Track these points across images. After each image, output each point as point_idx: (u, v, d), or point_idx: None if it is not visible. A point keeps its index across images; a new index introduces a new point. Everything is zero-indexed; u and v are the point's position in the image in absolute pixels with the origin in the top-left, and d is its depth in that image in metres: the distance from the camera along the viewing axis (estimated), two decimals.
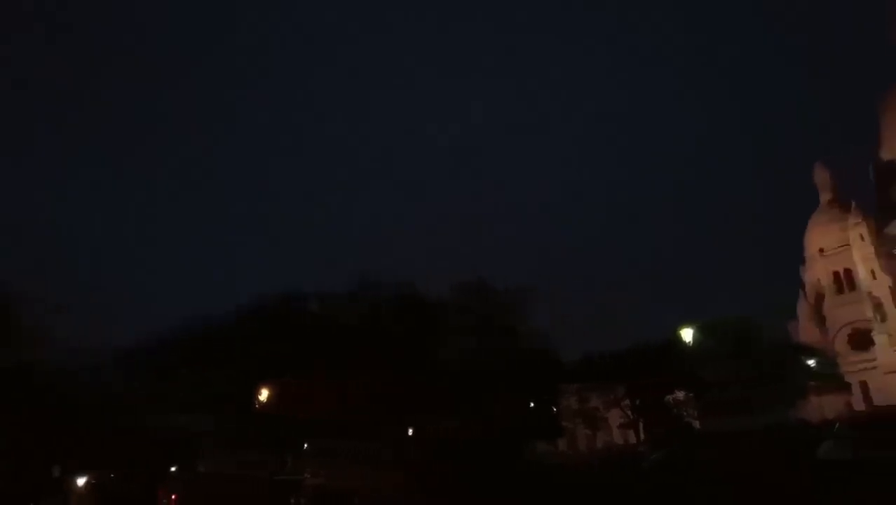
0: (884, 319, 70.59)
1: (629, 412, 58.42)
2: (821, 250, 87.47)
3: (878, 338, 70.33)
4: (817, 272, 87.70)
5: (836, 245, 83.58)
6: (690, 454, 29.17)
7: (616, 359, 52.75)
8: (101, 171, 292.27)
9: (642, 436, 55.99)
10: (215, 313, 41.26)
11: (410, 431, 41.76)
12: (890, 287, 72.89)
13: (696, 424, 56.48)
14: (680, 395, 56.16)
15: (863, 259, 75.73)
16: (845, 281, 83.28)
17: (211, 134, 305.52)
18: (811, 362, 60.39)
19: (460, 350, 36.38)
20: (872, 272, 74.46)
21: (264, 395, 33.56)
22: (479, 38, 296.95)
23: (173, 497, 36.44)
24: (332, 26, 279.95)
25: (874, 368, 69.64)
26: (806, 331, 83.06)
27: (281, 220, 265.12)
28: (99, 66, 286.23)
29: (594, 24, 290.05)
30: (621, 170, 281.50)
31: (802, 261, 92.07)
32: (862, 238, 76.27)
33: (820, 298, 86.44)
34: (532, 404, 48.93)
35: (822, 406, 60.27)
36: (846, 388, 64.95)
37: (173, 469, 44.40)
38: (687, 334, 33.77)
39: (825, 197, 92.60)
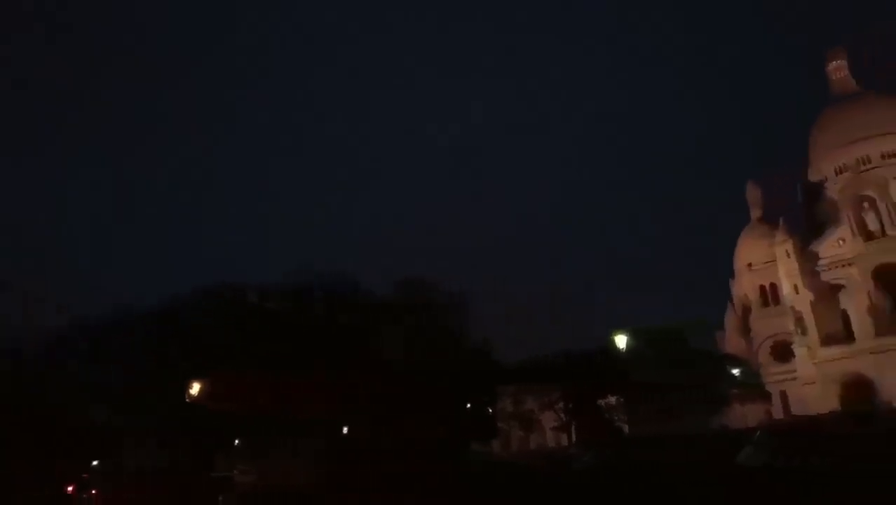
0: (804, 332, 74.15)
1: (563, 415, 59.42)
2: (749, 265, 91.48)
3: (799, 350, 73.80)
4: (745, 286, 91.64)
5: (764, 260, 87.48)
6: (620, 457, 29.86)
7: (553, 362, 53.55)
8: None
9: (574, 439, 57.07)
10: (149, 302, 39.79)
11: (346, 430, 41.28)
12: (811, 302, 76.66)
13: (626, 428, 58.05)
14: (612, 399, 57.52)
15: (787, 275, 79.40)
16: (770, 295, 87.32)
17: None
18: (736, 372, 62.83)
19: (400, 349, 36.17)
20: (796, 287, 78.14)
21: (195, 388, 32.44)
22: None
23: (93, 492, 34.92)
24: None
25: (794, 378, 73.10)
26: (732, 341, 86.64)
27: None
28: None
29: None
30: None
31: (732, 274, 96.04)
32: (787, 255, 79.93)
33: (747, 310, 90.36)
34: (469, 405, 49.18)
35: (745, 414, 62.89)
36: (767, 397, 67.97)
37: (95, 463, 42.53)
38: (620, 340, 34.66)
39: (755, 214, 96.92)
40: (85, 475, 39.12)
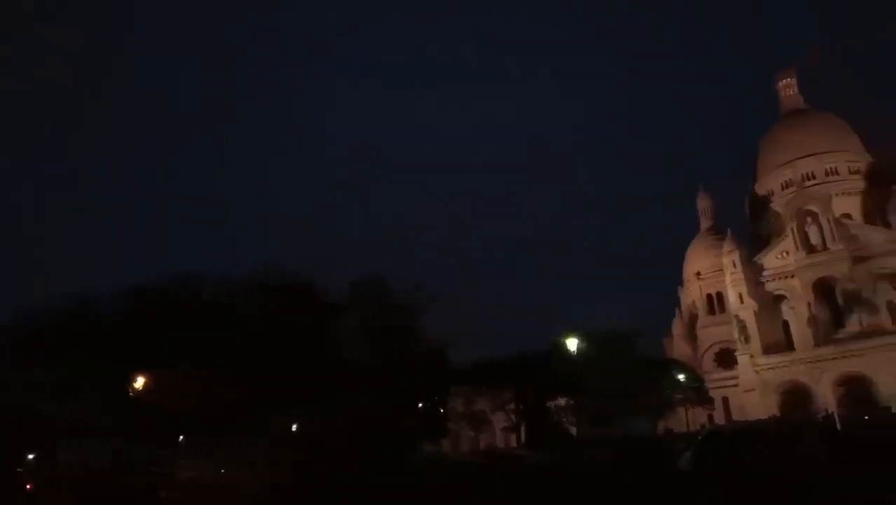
0: (747, 340, 76.61)
1: (513, 416, 60.03)
2: (697, 274, 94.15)
3: (741, 358, 76.22)
4: (693, 293, 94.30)
5: (712, 269, 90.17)
6: (567, 458, 30.35)
7: (506, 364, 54.05)
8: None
9: (524, 439, 57.73)
10: (100, 293, 38.53)
11: (294, 427, 40.83)
12: (755, 311, 79.27)
13: (574, 430, 58.99)
14: (562, 401, 58.36)
15: (733, 284, 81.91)
16: (717, 303, 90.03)
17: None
18: (681, 377, 64.38)
19: (352, 348, 36.01)
20: (741, 296, 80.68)
21: (139, 382, 31.57)
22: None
23: (28, 487, 33.67)
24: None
25: (736, 385, 75.48)
26: (679, 347, 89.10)
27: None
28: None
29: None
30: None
31: (681, 282, 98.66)
32: (734, 265, 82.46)
33: (694, 317, 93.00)
34: (420, 405, 49.25)
35: (689, 418, 64.66)
36: (711, 402, 69.79)
37: (30, 457, 41.04)
38: (571, 343, 35.25)
39: (705, 224, 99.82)
40: (19, 470, 37.72)
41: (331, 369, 33.58)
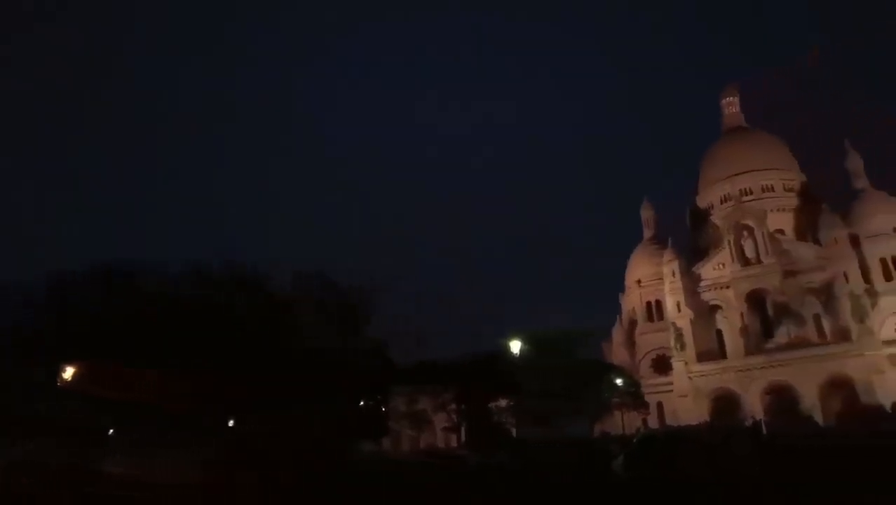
0: (683, 347, 79.17)
1: (454, 416, 60.27)
2: (638, 281, 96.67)
3: (677, 364, 78.69)
4: (633, 300, 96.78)
5: (652, 277, 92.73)
6: (507, 459, 30.68)
7: (449, 364, 54.19)
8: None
9: (464, 439, 58.07)
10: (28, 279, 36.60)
11: (231, 423, 39.87)
12: (691, 320, 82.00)
13: (514, 431, 59.71)
14: (503, 402, 58.94)
15: (671, 292, 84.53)
16: (655, 311, 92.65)
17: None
18: (619, 381, 65.91)
19: (294, 344, 35.34)
20: (678, 305, 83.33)
21: (69, 373, 30.18)
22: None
23: None
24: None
25: (670, 390, 77.91)
26: (617, 352, 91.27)
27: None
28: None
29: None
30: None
31: (623, 289, 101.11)
32: (673, 274, 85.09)
33: (633, 323, 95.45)
34: (361, 403, 48.85)
35: (624, 422, 66.32)
36: (645, 406, 71.70)
37: None
38: (514, 345, 35.61)
39: (648, 233, 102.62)
40: None
41: (273, 365, 32.93)
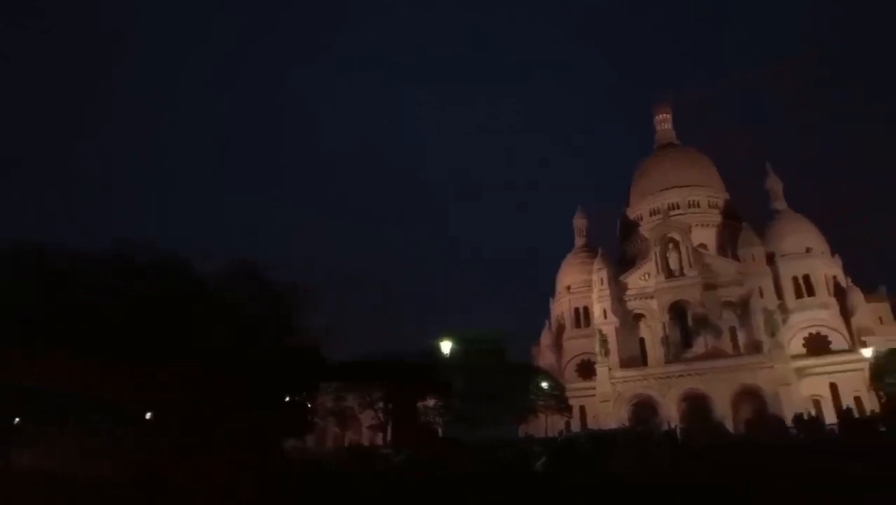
0: (607, 353, 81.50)
1: (381, 415, 59.97)
2: (568, 287, 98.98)
3: (600, 370, 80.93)
4: (563, 306, 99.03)
5: (582, 285, 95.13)
6: (432, 458, 30.78)
7: (379, 362, 53.89)
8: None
9: (389, 438, 57.82)
10: None
11: (149, 416, 38.33)
12: (616, 327, 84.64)
13: (440, 430, 59.94)
14: (431, 402, 59.09)
15: (599, 300, 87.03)
16: (583, 317, 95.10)
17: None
18: (545, 384, 67.27)
19: (219, 336, 34.25)
20: (605, 312, 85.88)
21: None
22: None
23: None
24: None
25: (593, 395, 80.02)
26: (545, 356, 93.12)
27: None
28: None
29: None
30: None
31: (553, 294, 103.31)
32: (601, 282, 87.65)
33: (561, 328, 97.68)
34: (287, 399, 47.93)
35: (548, 424, 67.70)
36: (569, 410, 73.38)
37: None
38: (445, 345, 35.77)
39: (579, 241, 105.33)
40: None
41: (194, 356, 31.83)
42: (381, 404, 58.89)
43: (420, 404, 58.83)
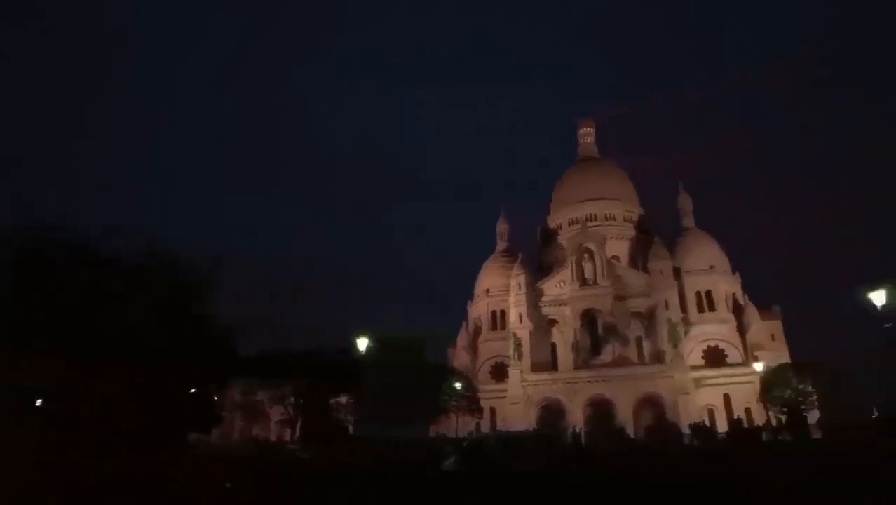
0: (520, 357, 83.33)
1: (291, 410, 58.92)
2: (487, 290, 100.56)
3: (512, 373, 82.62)
4: (481, 308, 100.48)
5: (500, 289, 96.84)
6: (341, 456, 30.56)
7: (294, 357, 52.89)
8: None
9: (298, 434, 56.91)
10: None
11: (39, 403, 36.06)
12: (531, 332, 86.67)
13: (351, 428, 59.51)
14: (343, 399, 58.57)
15: (515, 304, 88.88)
16: (499, 320, 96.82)
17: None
18: (458, 385, 68.08)
19: (125, 323, 32.62)
20: (520, 317, 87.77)
21: None
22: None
23: None
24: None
25: (504, 397, 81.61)
26: (460, 357, 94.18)
27: None
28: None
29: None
30: None
31: (471, 296, 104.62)
32: (519, 287, 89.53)
33: (478, 330, 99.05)
34: (193, 391, 46.20)
35: (459, 425, 68.54)
36: (480, 411, 74.55)
37: None
38: (361, 343, 35.61)
39: (501, 245, 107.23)
40: None
41: (95, 342, 30.20)
42: (291, 400, 57.82)
43: (332, 401, 58.17)
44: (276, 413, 68.81)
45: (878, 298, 24.86)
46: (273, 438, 74.66)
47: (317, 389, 53.66)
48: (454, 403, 66.87)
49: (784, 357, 79.23)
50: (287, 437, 66.27)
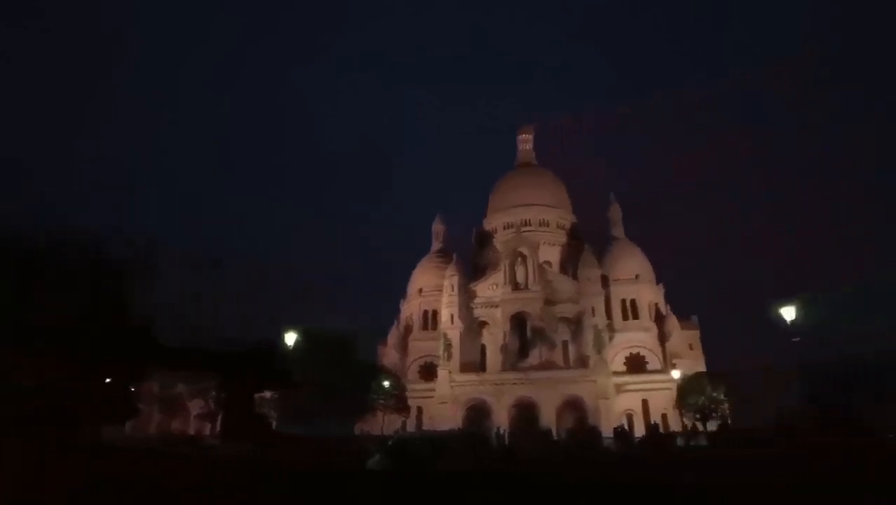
0: (450, 357, 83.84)
1: (213, 404, 57.27)
2: (420, 290, 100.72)
3: (441, 373, 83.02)
4: (413, 308, 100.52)
5: (433, 288, 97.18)
6: (261, 452, 29.97)
7: (219, 349, 51.35)
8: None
9: (219, 428, 55.29)
10: None
11: None
12: (461, 332, 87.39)
13: (275, 424, 58.29)
14: (268, 394, 57.34)
15: (448, 305, 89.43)
16: (431, 320, 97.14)
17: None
18: (386, 383, 67.88)
19: (39, 310, 30.94)
20: (452, 317, 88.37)
21: None
22: None
23: None
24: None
25: (432, 396, 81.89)
26: (390, 355, 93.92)
27: None
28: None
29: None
30: None
31: (404, 295, 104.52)
32: (452, 287, 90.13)
33: (409, 329, 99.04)
34: (108, 381, 44.24)
35: (385, 423, 68.36)
36: (407, 410, 74.57)
37: None
38: (290, 337, 35.07)
39: (436, 245, 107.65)
40: None
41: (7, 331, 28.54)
42: (213, 393, 56.17)
43: (257, 396, 56.83)
44: (196, 406, 66.72)
45: (788, 313, 26.35)
46: (192, 432, 72.44)
47: (241, 382, 52.26)
48: (382, 401, 66.61)
49: (700, 366, 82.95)
50: (207, 431, 64.37)
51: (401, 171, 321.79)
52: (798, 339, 26.96)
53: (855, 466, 21.62)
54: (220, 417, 56.32)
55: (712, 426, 57.14)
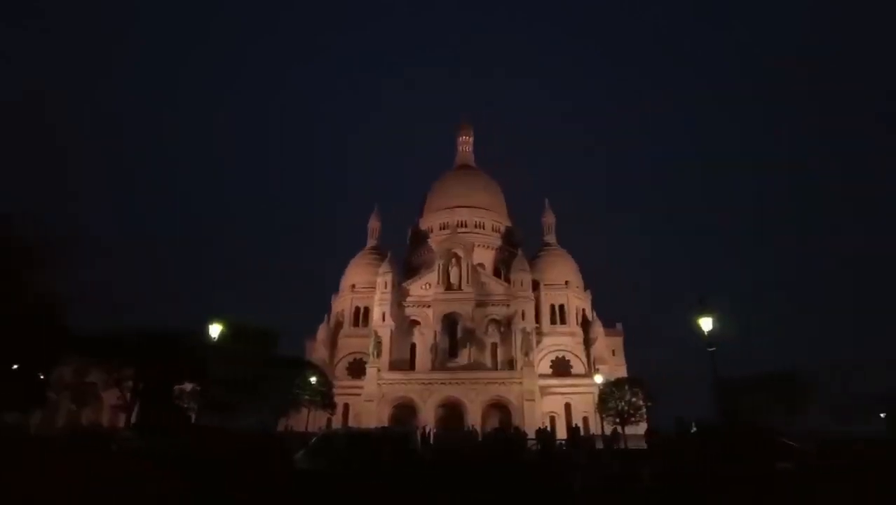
0: (379, 355, 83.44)
1: (128, 394, 54.93)
2: (353, 286, 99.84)
3: (370, 370, 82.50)
4: (344, 303, 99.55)
5: (366, 285, 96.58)
6: (178, 445, 28.96)
7: (136, 337, 49.41)
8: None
9: (134, 420, 53.15)
10: None
11: None
12: (392, 330, 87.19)
13: (194, 417, 56.51)
14: (188, 386, 55.56)
15: (380, 302, 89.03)
16: (363, 317, 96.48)
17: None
18: (313, 379, 66.80)
19: None
20: (383, 315, 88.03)
21: None
22: None
23: None
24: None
25: (359, 394, 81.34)
26: (318, 351, 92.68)
27: None
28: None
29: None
30: None
31: (337, 290, 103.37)
32: (385, 285, 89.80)
33: (339, 325, 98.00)
34: (15, 367, 41.90)
35: (311, 419, 67.30)
36: (333, 407, 73.64)
37: None
38: (214, 329, 34.09)
39: (371, 242, 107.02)
40: None
41: None
42: (129, 383, 53.92)
43: (177, 388, 54.94)
44: (110, 396, 63.86)
45: (706, 324, 27.47)
46: (106, 423, 69.39)
47: (157, 372, 50.44)
48: (307, 397, 65.49)
49: (622, 371, 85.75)
50: (122, 422, 61.70)
51: (354, 161, 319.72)
52: (714, 349, 28.06)
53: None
54: (136, 409, 54.14)
55: (631, 430, 58.97)
